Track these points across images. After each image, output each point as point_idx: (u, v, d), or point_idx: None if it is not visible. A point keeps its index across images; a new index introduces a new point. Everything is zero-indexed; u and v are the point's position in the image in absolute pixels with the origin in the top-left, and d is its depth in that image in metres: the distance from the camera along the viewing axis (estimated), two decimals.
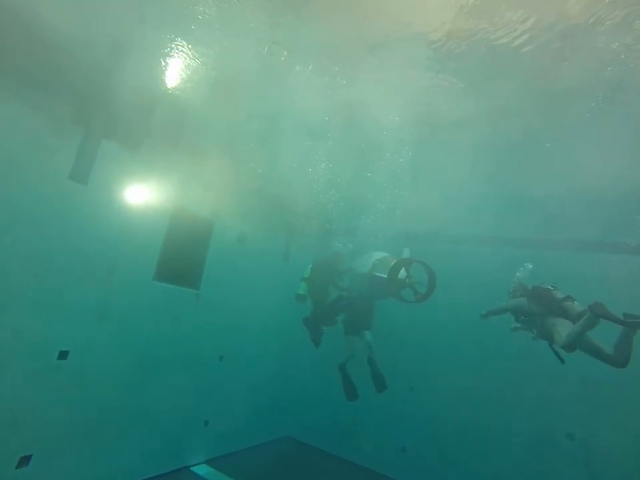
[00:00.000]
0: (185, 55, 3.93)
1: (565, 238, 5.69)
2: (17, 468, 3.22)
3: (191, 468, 4.94)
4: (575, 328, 3.73)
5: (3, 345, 3.22)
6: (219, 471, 5.04)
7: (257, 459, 5.82)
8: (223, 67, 4.11)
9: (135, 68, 3.93)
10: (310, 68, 4.06)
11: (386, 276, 5.40)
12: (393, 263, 5.48)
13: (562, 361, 4.16)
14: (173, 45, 3.76)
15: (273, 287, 6.62)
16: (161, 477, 4.51)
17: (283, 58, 3.92)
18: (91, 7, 3.26)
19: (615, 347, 3.64)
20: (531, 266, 4.91)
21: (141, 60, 3.89)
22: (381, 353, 5.97)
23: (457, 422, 5.75)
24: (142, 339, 4.44)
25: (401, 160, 5.33)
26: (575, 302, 4.03)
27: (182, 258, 5.07)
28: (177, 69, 4.17)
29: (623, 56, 3.36)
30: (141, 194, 4.51)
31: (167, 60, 3.98)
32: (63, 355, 3.64)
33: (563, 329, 3.92)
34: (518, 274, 4.93)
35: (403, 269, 5.48)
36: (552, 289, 4.34)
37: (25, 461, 3.29)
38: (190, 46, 3.78)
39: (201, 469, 4.98)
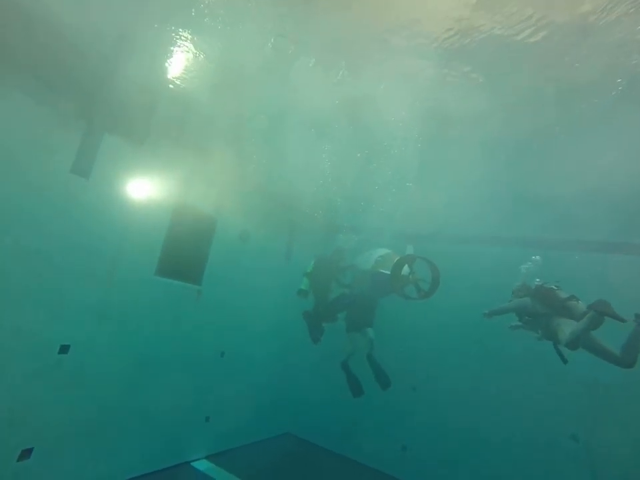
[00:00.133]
0: (189, 49, 3.88)
1: (572, 238, 5.60)
2: (18, 460, 3.23)
3: (192, 463, 4.94)
4: (578, 325, 3.71)
5: (2, 343, 3.20)
6: (219, 466, 5.03)
7: (257, 455, 5.81)
8: (227, 60, 4.05)
9: (138, 61, 3.89)
10: (315, 61, 3.99)
11: (389, 272, 5.36)
12: (396, 260, 5.44)
13: (565, 361, 4.13)
14: (177, 38, 3.71)
15: (275, 286, 6.57)
16: (161, 472, 4.52)
17: (289, 51, 3.86)
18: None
19: (622, 348, 3.60)
20: (539, 258, 4.84)
21: (145, 53, 3.85)
22: (384, 351, 5.95)
23: (459, 421, 5.71)
24: (143, 337, 4.41)
25: (408, 157, 5.24)
26: (580, 301, 4.00)
27: (184, 255, 5.04)
28: (181, 63, 4.13)
29: None
30: (144, 189, 4.48)
31: (171, 53, 3.94)
32: (64, 349, 3.62)
33: (568, 328, 3.88)
34: (525, 266, 4.87)
35: (406, 265, 5.43)
36: (555, 288, 4.30)
37: (26, 454, 3.29)
38: (195, 38, 3.73)
39: (201, 465, 4.98)
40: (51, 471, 3.48)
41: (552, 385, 5.13)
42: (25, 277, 3.37)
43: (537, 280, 4.63)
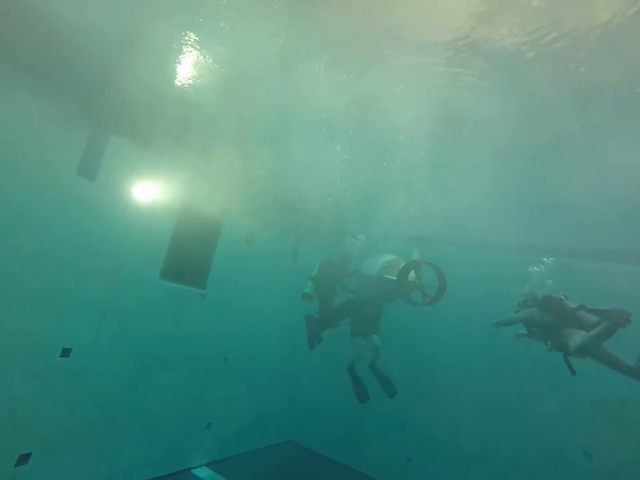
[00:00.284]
0: (195, 50, 3.86)
1: (588, 247, 5.42)
2: (15, 466, 3.17)
3: (192, 470, 4.86)
4: (591, 333, 3.60)
5: (4, 343, 3.17)
6: (220, 473, 4.95)
7: (258, 462, 5.71)
8: (235, 62, 4.02)
9: (145, 62, 3.88)
10: (325, 61, 3.94)
11: (395, 278, 5.27)
12: (402, 265, 5.35)
13: (573, 372, 4.01)
14: (185, 39, 3.69)
15: (280, 290, 6.50)
16: (162, 479, 4.43)
17: (298, 52, 3.82)
18: None
19: (638, 359, 3.46)
20: (551, 260, 4.72)
21: (151, 54, 3.84)
22: (390, 359, 5.82)
23: (466, 433, 5.54)
24: (145, 339, 4.37)
25: (418, 159, 5.14)
26: (589, 312, 3.87)
27: (189, 257, 5.00)
28: (188, 64, 4.10)
29: None
30: (149, 191, 4.47)
31: (177, 54, 3.92)
32: (66, 352, 3.59)
33: (579, 337, 3.77)
34: (536, 269, 4.75)
35: (413, 271, 5.35)
36: (564, 298, 4.19)
37: (24, 459, 3.23)
38: (201, 39, 3.71)
39: (202, 472, 4.90)
40: (50, 472, 3.44)
41: (566, 399, 4.93)
42: (29, 278, 3.35)
43: (549, 281, 4.50)
